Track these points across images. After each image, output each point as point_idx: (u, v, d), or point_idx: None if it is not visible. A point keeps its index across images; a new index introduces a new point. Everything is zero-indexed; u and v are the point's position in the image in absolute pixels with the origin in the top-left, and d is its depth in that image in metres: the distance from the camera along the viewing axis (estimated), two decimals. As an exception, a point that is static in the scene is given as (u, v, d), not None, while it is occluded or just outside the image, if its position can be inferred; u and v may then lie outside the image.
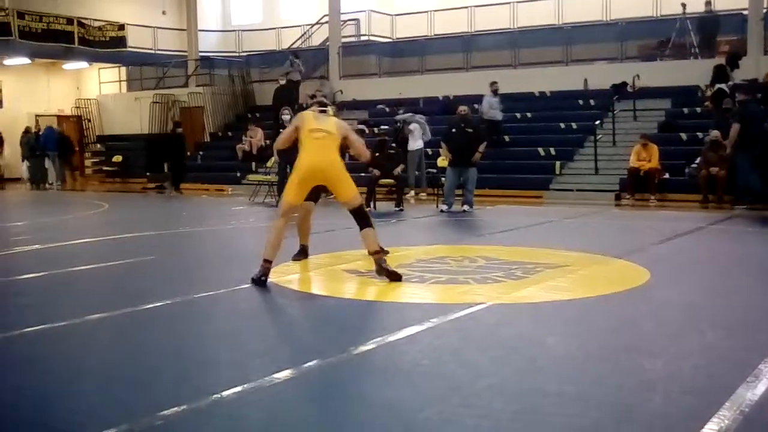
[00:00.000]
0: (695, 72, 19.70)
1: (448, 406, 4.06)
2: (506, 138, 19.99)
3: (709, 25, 21.10)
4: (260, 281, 7.26)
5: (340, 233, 8.41)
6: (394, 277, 7.45)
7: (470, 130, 14.59)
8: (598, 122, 18.97)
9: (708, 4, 21.11)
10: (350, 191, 7.60)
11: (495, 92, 19.42)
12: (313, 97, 21.95)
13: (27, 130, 25.66)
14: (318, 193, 8.28)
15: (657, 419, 3.84)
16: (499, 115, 19.50)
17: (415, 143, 17.75)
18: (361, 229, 7.59)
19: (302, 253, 8.72)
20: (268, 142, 18.84)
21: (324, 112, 7.91)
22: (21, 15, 25.77)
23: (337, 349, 5.03)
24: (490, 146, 17.51)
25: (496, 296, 6.76)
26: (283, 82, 21.27)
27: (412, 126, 17.85)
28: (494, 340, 5.44)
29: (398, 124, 18.55)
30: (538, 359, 4.93)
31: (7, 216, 16.49)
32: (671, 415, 3.90)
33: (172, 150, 21.79)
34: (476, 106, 19.10)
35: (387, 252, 7.82)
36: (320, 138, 7.52)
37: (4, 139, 26.33)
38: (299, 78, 23.67)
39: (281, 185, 16.18)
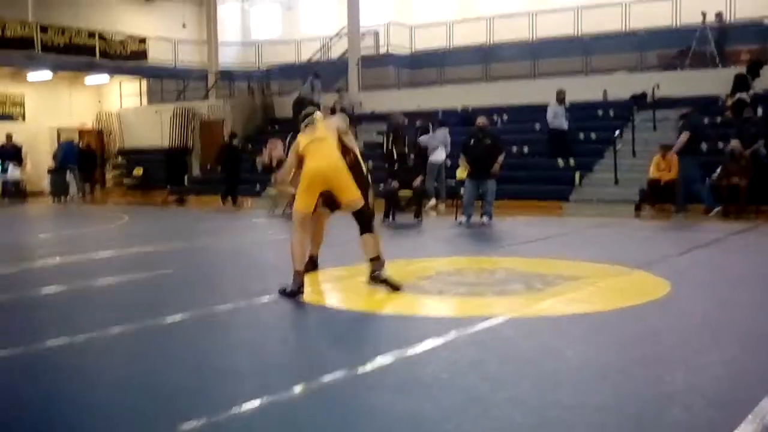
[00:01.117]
0: (715, 81, 19.61)
1: (468, 418, 4.05)
2: (525, 149, 19.95)
3: (720, 36, 21.06)
4: (297, 292, 7.21)
5: (358, 245, 8.43)
6: (392, 286, 7.46)
7: (489, 142, 14.57)
8: (617, 132, 18.91)
9: (719, 15, 21.05)
10: (352, 193, 7.56)
11: (561, 101, 19.18)
12: (332, 110, 22.11)
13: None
14: (334, 202, 8.21)
15: (679, 431, 3.83)
16: (564, 124, 19.19)
17: (437, 155, 17.67)
18: (362, 233, 7.60)
19: (311, 264, 8.56)
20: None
21: (311, 123, 7.75)
22: (44, 29, 26.04)
23: (357, 362, 5.03)
24: (556, 157, 17.47)
25: (515, 309, 6.75)
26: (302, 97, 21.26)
27: (435, 140, 17.72)
28: (514, 352, 5.43)
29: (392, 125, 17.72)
30: (557, 372, 4.91)
31: (28, 229, 16.61)
32: (692, 428, 3.88)
33: (227, 161, 21.36)
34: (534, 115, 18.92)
35: (383, 262, 7.71)
36: (315, 146, 7.52)
37: (26, 152, 26.53)
38: (318, 100, 23.79)
39: None
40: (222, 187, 21.22)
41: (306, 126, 7.75)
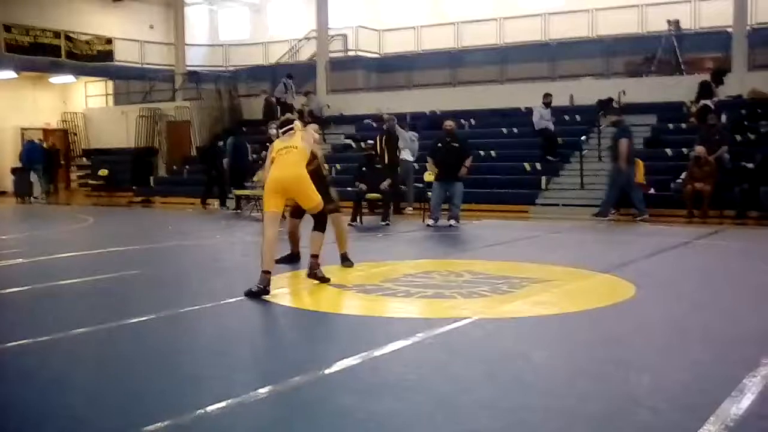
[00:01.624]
0: (680, 88, 19.84)
1: (435, 421, 4.05)
2: (492, 153, 20.03)
3: (678, 44, 21.36)
4: (263, 291, 7.32)
5: (326, 247, 8.42)
6: (324, 280, 8.02)
7: (456, 145, 14.60)
8: (584, 137, 19.05)
9: (672, 23, 21.39)
10: (312, 201, 8.02)
11: (547, 105, 19.44)
12: (300, 112, 22.05)
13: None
14: (302, 211, 8.71)
15: (643, 434, 3.85)
16: (551, 126, 19.42)
17: (404, 156, 17.57)
18: (313, 230, 8.18)
19: (292, 258, 9.41)
20: (255, 156, 18.72)
21: (290, 130, 8.11)
22: (8, 28, 25.72)
23: (323, 364, 5.01)
24: (546, 157, 17.95)
25: (482, 311, 6.76)
26: (272, 98, 21.17)
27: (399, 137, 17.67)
28: (480, 354, 5.43)
29: (384, 128, 17.61)
30: (524, 374, 4.92)
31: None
32: (659, 430, 3.91)
33: (212, 162, 20.86)
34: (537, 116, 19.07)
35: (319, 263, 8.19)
36: (284, 154, 7.88)
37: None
38: (292, 100, 23.76)
39: None
40: (202, 188, 21.05)
41: (284, 132, 8.09)
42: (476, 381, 4.78)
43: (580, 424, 3.99)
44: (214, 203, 20.93)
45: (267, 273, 7.40)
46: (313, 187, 8.01)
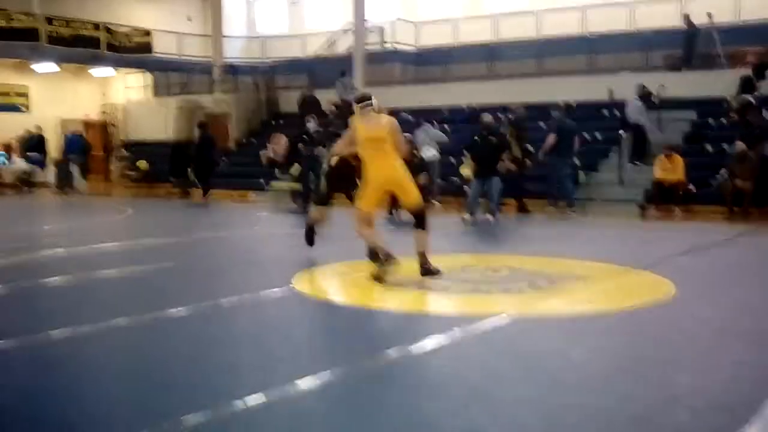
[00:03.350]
0: (721, 83, 19.56)
1: (472, 417, 4.05)
2: (529, 147, 19.90)
3: (690, 39, 21.06)
4: (386, 265, 7.66)
5: (361, 241, 8.43)
6: (436, 273, 7.86)
7: (494, 139, 14.55)
8: (622, 132, 18.88)
9: (687, 17, 21.07)
10: (414, 196, 7.97)
11: (642, 97, 18.50)
12: (336, 106, 22.12)
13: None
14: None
15: (683, 435, 3.82)
16: (645, 121, 18.42)
17: (427, 153, 17.40)
18: (416, 227, 8.01)
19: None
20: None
21: (369, 106, 8.04)
22: (49, 20, 26.00)
23: (360, 359, 5.03)
24: (636, 155, 17.29)
25: (519, 307, 6.74)
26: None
27: (419, 137, 17.53)
28: (518, 351, 5.42)
29: None
30: (562, 372, 4.90)
31: (33, 220, 16.61)
32: (698, 431, 3.87)
33: (197, 154, 21.32)
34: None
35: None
36: (377, 149, 7.85)
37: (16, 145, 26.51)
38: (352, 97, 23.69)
39: (305, 192, 16.25)
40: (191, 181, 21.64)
41: (363, 107, 8.04)
42: (513, 377, 4.77)
43: (618, 424, 3.97)
44: (252, 195, 21.04)
45: (388, 255, 7.68)
46: (411, 179, 8.04)
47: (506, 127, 16.50)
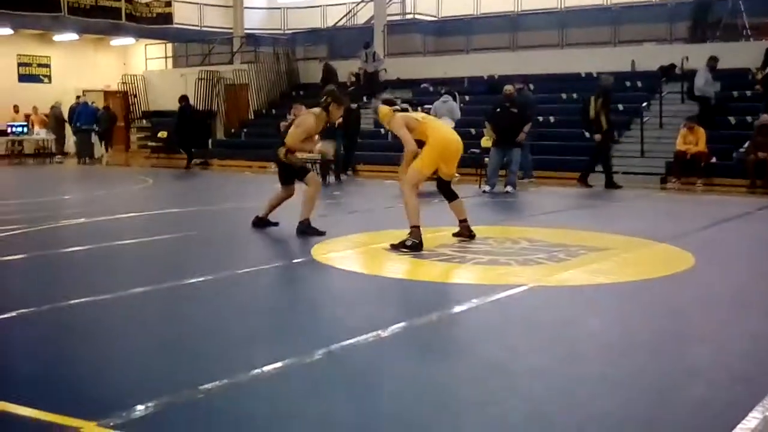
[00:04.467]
0: (746, 54, 19.31)
1: (488, 387, 4.05)
2: (551, 119, 19.79)
3: (700, 9, 20.69)
4: (416, 246, 7.83)
5: (381, 213, 8.42)
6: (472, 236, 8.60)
7: (515, 110, 14.46)
8: (645, 104, 18.71)
9: None
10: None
11: (713, 68, 17.87)
12: (355, 76, 22.02)
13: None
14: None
15: (700, 407, 3.80)
16: (712, 93, 17.77)
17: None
18: (452, 200, 8.75)
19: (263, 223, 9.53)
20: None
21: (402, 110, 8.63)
22: (70, -9, 26.01)
23: (378, 328, 5.03)
24: (704, 127, 16.35)
25: (538, 278, 6.72)
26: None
27: (442, 108, 17.37)
28: (535, 322, 5.41)
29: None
30: (579, 343, 4.89)
31: (54, 189, 16.71)
32: (715, 403, 3.85)
33: (177, 125, 22.84)
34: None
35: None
36: (432, 121, 8.80)
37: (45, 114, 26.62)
38: (376, 69, 23.67)
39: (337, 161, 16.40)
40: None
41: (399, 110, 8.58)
42: (531, 348, 4.77)
43: (636, 395, 3.96)
44: (272, 166, 21.06)
45: (417, 228, 7.95)
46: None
47: (593, 96, 15.74)
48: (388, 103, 8.73)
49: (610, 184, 15.19)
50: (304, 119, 9.02)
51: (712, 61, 17.93)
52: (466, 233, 8.63)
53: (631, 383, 4.14)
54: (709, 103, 17.76)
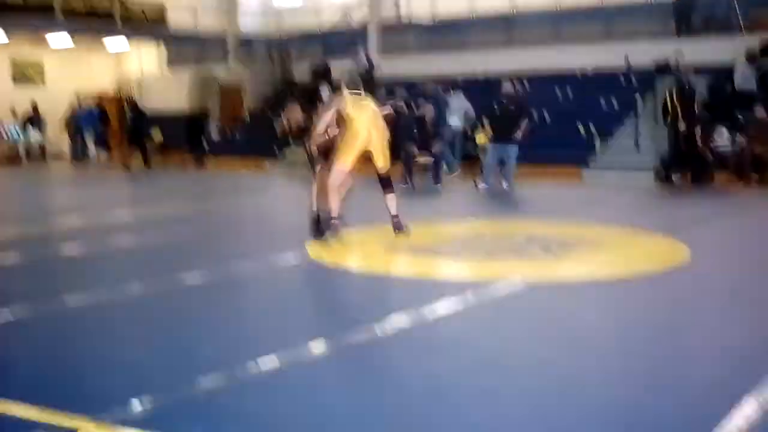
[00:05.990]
0: (740, 49, 19.29)
1: (485, 380, 4.05)
2: (546, 115, 19.78)
3: (683, 6, 20.71)
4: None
5: (378, 206, 8.44)
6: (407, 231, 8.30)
7: (513, 108, 14.45)
8: (638, 98, 18.70)
9: None
10: (386, 159, 8.38)
11: (753, 61, 17.21)
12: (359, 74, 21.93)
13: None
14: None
15: (696, 398, 3.80)
16: (754, 87, 17.01)
17: (453, 122, 17.26)
18: (386, 193, 8.39)
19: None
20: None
21: (359, 95, 8.44)
22: (63, -7, 25.96)
23: (374, 324, 5.03)
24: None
25: (534, 272, 6.72)
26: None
27: (453, 104, 17.43)
28: (532, 316, 5.41)
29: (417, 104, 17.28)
30: (575, 337, 4.89)
31: (49, 191, 16.68)
32: (711, 393, 3.86)
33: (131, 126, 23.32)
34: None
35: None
36: (364, 108, 8.31)
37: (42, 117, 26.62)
38: (364, 66, 23.62)
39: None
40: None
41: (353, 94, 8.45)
42: (526, 342, 4.77)
43: (633, 386, 3.96)
44: (267, 165, 21.08)
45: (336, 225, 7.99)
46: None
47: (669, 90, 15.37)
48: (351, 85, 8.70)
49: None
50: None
51: (751, 53, 17.32)
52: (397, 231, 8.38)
53: (628, 373, 4.14)
54: (751, 99, 16.90)
